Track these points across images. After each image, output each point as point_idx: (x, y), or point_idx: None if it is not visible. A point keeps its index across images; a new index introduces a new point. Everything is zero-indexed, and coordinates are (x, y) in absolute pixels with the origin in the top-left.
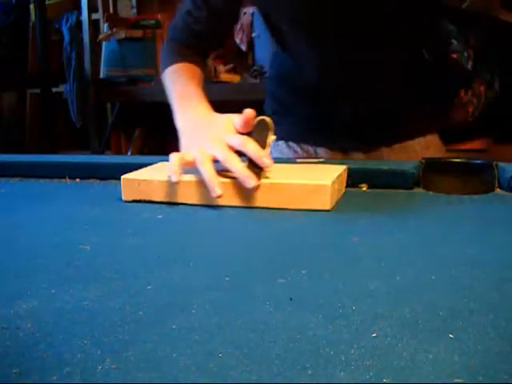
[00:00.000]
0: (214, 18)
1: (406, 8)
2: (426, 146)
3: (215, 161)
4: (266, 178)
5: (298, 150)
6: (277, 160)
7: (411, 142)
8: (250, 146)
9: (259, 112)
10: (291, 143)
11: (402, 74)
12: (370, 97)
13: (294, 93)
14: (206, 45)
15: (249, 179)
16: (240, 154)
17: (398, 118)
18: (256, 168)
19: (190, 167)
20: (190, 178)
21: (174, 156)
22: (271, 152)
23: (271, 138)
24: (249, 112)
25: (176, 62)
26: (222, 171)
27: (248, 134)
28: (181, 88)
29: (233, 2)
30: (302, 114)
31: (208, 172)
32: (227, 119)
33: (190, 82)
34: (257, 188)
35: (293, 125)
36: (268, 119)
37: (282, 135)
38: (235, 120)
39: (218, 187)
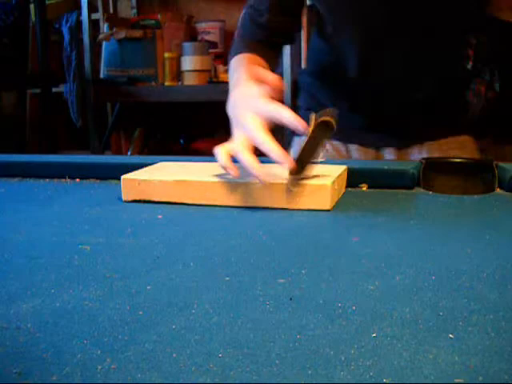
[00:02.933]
0: (277, 9)
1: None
2: (458, 146)
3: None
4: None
5: (329, 147)
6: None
7: (445, 140)
8: (285, 115)
9: None
10: None
11: (445, 67)
12: (410, 89)
13: (332, 88)
14: (273, 38)
15: (283, 159)
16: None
17: (435, 114)
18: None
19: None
20: (190, 178)
21: (219, 152)
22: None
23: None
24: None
25: (242, 52)
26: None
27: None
28: (236, 74)
29: None
30: (338, 111)
31: (246, 162)
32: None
33: (246, 65)
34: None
35: None
36: (333, 121)
37: None
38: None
39: (262, 174)
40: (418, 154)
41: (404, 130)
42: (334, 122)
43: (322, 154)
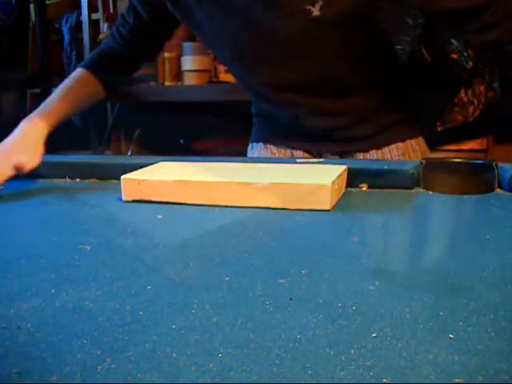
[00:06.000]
0: (138, 33)
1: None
2: (405, 151)
3: None
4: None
5: (276, 151)
6: (277, 160)
7: (388, 148)
8: None
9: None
10: (269, 145)
11: (373, 92)
12: (343, 114)
13: (272, 104)
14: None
15: None
16: None
17: (375, 129)
18: None
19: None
20: (190, 178)
21: None
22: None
23: None
24: None
25: (84, 66)
26: None
27: None
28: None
29: (160, 27)
30: (282, 120)
31: None
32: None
33: (56, 100)
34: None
35: (272, 128)
36: None
37: (261, 137)
38: None
39: None
40: None
41: (346, 140)
42: None
43: None
